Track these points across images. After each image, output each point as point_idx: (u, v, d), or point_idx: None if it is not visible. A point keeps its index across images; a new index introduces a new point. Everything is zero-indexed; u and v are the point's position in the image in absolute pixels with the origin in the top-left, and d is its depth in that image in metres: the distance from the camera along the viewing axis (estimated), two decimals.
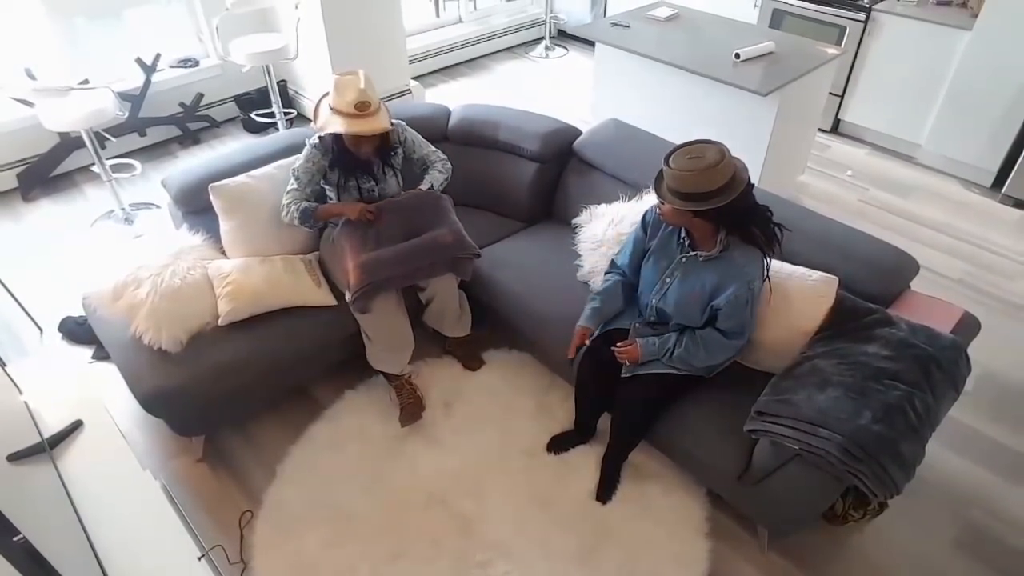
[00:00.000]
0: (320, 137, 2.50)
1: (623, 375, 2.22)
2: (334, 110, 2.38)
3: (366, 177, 2.56)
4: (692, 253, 2.08)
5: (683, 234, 2.10)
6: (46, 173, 4.01)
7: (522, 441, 2.53)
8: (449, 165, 2.72)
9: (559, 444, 2.51)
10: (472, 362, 2.83)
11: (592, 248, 2.63)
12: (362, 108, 2.34)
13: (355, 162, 2.53)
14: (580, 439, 2.51)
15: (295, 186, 2.51)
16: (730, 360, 2.22)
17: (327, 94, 2.45)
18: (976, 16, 3.77)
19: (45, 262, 3.45)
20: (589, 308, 2.30)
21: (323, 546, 2.21)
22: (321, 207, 2.53)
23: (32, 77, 3.71)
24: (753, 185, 1.97)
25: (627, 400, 2.23)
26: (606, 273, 2.38)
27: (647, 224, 2.23)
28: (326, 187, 2.59)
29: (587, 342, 2.28)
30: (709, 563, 2.17)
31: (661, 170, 1.97)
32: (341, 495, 2.36)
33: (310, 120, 4.38)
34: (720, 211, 1.90)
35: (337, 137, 2.45)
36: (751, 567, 2.19)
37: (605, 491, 2.35)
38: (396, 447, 2.52)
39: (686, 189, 1.89)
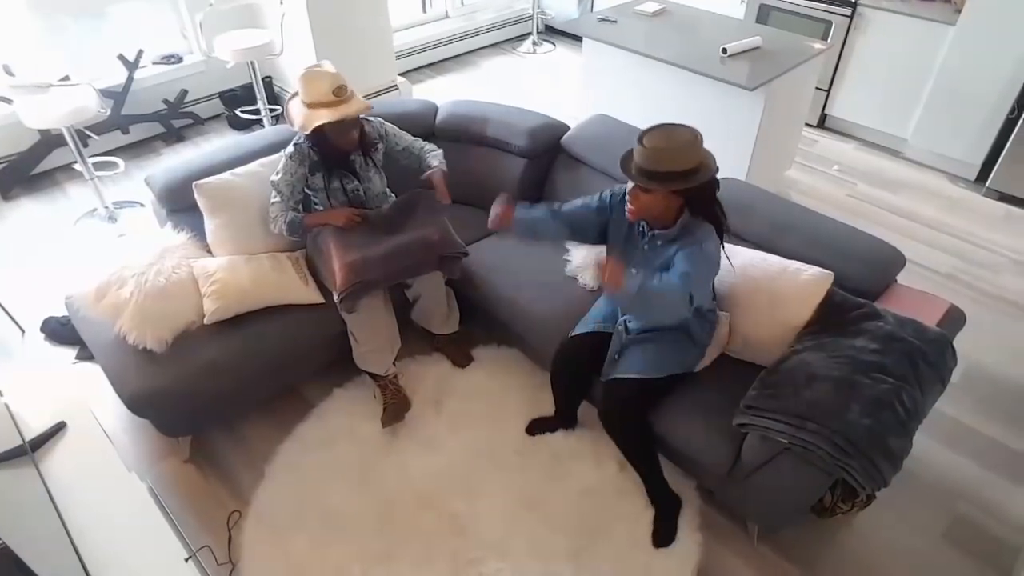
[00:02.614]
0: (295, 145, 2.45)
1: (603, 379, 2.21)
2: (312, 104, 2.34)
3: (350, 177, 2.54)
4: (651, 235, 2.06)
5: (642, 226, 2.09)
6: (27, 171, 3.95)
7: (513, 439, 2.52)
8: (440, 150, 2.70)
9: (539, 427, 2.52)
10: (461, 359, 2.81)
11: (580, 243, 2.62)
12: (340, 93, 2.33)
13: (338, 161, 2.50)
14: (562, 425, 2.52)
15: (278, 199, 2.48)
16: (677, 316, 2.07)
17: (295, 95, 2.43)
18: (959, 11, 3.79)
19: (26, 262, 3.40)
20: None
21: (312, 546, 2.19)
22: (308, 217, 2.52)
23: (11, 73, 3.65)
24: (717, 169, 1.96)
25: (607, 405, 2.21)
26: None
27: (603, 201, 2.16)
28: (310, 193, 2.55)
29: (502, 208, 2.16)
30: (700, 557, 2.18)
31: (630, 152, 1.93)
32: (331, 495, 2.34)
33: None
34: (693, 191, 1.90)
35: (318, 138, 2.40)
36: (741, 561, 2.20)
37: (658, 537, 2.20)
38: (386, 446, 2.50)
39: (662, 168, 1.86)
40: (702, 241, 1.97)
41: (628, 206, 2.01)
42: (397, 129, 2.67)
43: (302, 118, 2.36)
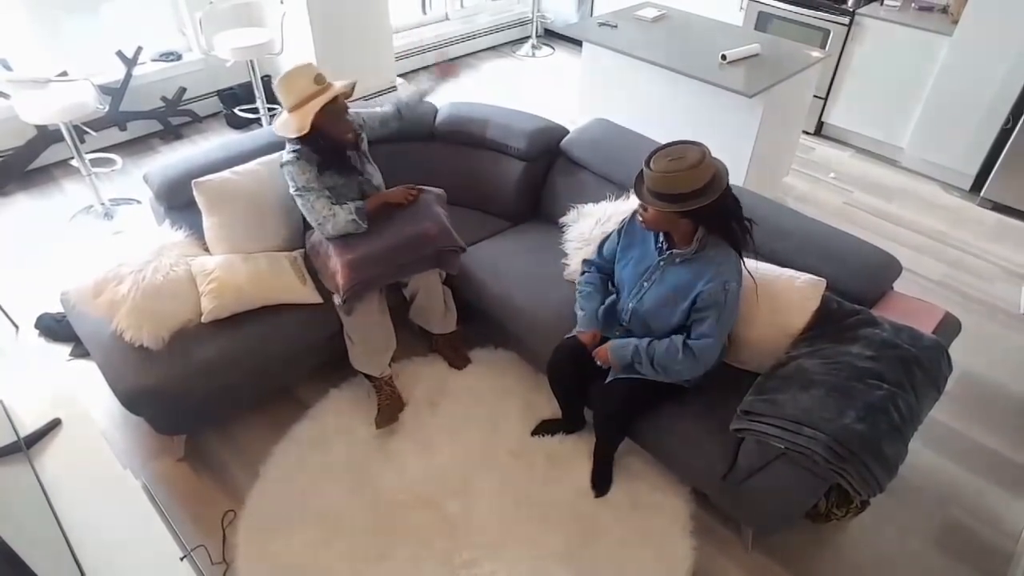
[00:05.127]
0: (294, 152, 2.40)
1: (607, 381, 2.22)
2: (300, 103, 2.32)
3: (354, 173, 2.53)
4: (669, 253, 2.07)
5: (661, 237, 2.10)
6: (23, 166, 3.93)
7: (508, 440, 2.52)
8: None
9: (545, 429, 2.53)
10: (458, 361, 2.81)
11: (579, 247, 2.63)
12: (320, 80, 2.34)
13: (339, 159, 2.48)
14: (568, 427, 2.53)
15: (314, 196, 2.37)
16: (710, 365, 2.18)
17: (278, 114, 2.42)
18: (956, 22, 3.83)
19: (21, 257, 3.38)
20: (579, 316, 2.27)
21: (307, 546, 2.19)
22: (369, 203, 2.45)
23: (8, 68, 3.63)
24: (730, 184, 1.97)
25: (603, 402, 2.23)
26: (581, 273, 2.36)
27: (621, 232, 2.24)
28: None
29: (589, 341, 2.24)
30: (693, 561, 2.18)
31: (641, 172, 1.95)
32: (326, 495, 2.33)
33: None
34: (702, 210, 1.90)
35: (317, 138, 2.37)
36: (735, 565, 2.21)
37: (596, 484, 2.36)
38: (381, 446, 2.50)
39: (669, 190, 1.88)
40: (725, 280, 1.96)
41: (638, 217, 2.06)
42: (368, 113, 2.70)
43: (296, 120, 2.33)
